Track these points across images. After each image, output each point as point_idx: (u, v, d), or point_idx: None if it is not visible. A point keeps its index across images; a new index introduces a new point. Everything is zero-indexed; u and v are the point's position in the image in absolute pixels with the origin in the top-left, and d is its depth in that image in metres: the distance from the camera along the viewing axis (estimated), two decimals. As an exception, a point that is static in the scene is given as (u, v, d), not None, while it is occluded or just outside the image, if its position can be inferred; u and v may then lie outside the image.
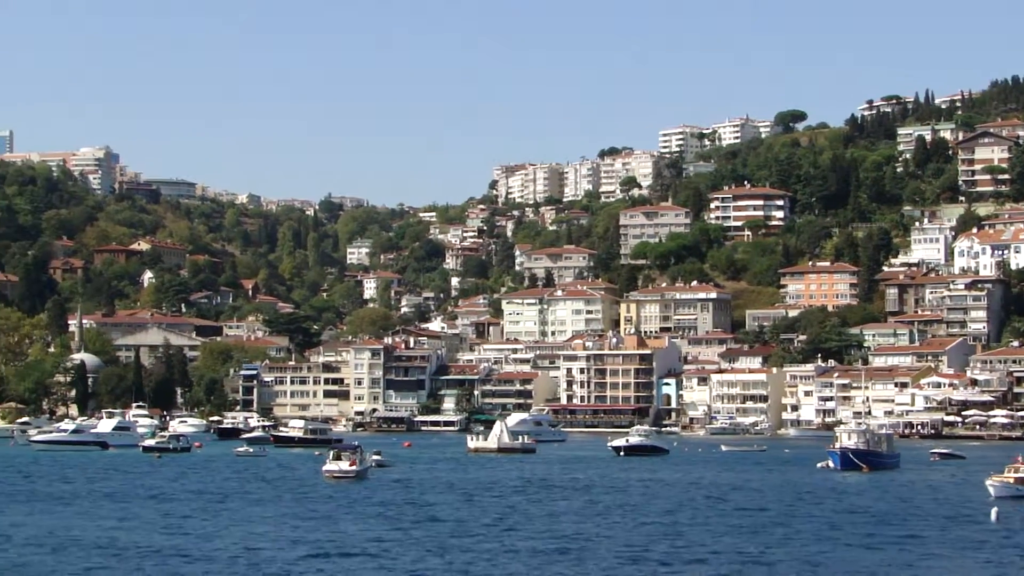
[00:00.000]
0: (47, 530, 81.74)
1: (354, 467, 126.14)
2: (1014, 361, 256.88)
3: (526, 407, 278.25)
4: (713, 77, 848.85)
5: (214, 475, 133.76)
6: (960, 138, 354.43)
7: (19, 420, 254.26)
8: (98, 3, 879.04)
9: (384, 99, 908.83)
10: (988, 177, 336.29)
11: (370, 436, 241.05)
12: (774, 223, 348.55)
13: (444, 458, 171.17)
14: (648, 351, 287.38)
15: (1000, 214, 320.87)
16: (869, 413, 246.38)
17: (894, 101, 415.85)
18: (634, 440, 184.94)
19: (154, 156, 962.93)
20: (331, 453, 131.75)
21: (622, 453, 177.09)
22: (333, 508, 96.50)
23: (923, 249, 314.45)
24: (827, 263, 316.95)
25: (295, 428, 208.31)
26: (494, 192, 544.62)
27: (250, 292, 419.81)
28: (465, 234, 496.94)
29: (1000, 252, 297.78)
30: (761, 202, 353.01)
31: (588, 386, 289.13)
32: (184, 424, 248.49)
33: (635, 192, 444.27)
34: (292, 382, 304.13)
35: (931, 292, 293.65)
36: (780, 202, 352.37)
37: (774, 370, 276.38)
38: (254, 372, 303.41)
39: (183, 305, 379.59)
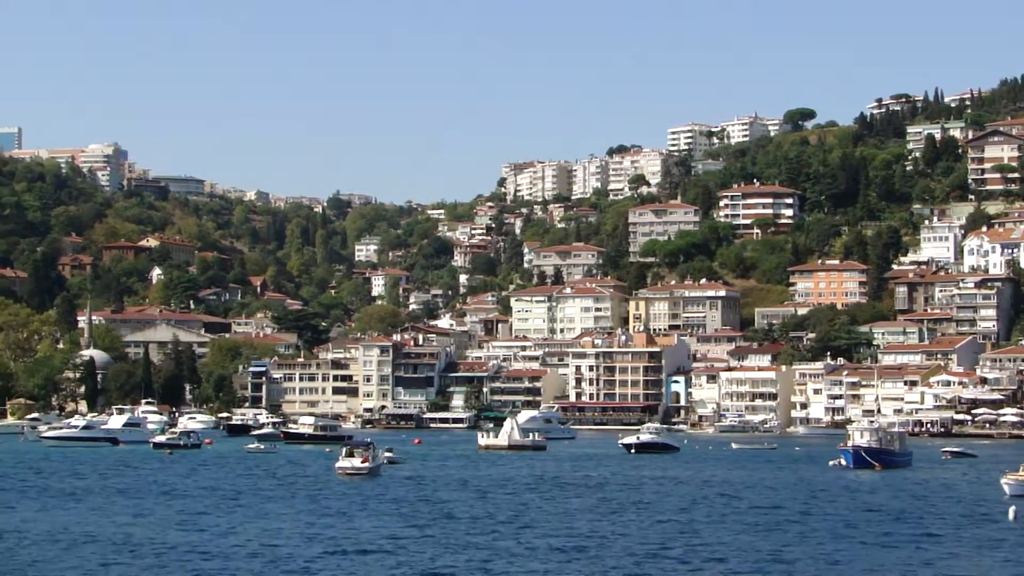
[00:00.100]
0: (61, 526, 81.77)
1: (367, 464, 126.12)
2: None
3: (535, 404, 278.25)
4: (722, 75, 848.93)
5: (226, 472, 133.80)
6: (969, 136, 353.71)
7: (28, 416, 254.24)
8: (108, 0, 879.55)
9: (393, 96, 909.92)
10: (998, 175, 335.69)
11: (379, 433, 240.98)
12: (783, 221, 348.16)
13: (455, 455, 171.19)
14: (657, 349, 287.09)
15: (1010, 212, 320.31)
16: (879, 411, 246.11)
17: (903, 99, 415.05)
18: (645, 437, 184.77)
19: (163, 153, 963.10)
20: (343, 450, 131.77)
21: (633, 450, 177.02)
22: (347, 505, 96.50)
23: (932, 247, 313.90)
24: (836, 261, 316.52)
25: (305, 425, 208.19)
26: (502, 189, 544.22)
27: (258, 289, 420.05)
28: (473, 231, 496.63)
29: (1010, 250, 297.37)
30: (770, 200, 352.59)
31: (597, 384, 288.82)
32: (193, 421, 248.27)
33: (644, 190, 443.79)
34: (301, 379, 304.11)
35: (940, 290, 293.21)
36: (789, 200, 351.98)
37: (783, 368, 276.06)
38: (263, 369, 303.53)
39: (191, 302, 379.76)
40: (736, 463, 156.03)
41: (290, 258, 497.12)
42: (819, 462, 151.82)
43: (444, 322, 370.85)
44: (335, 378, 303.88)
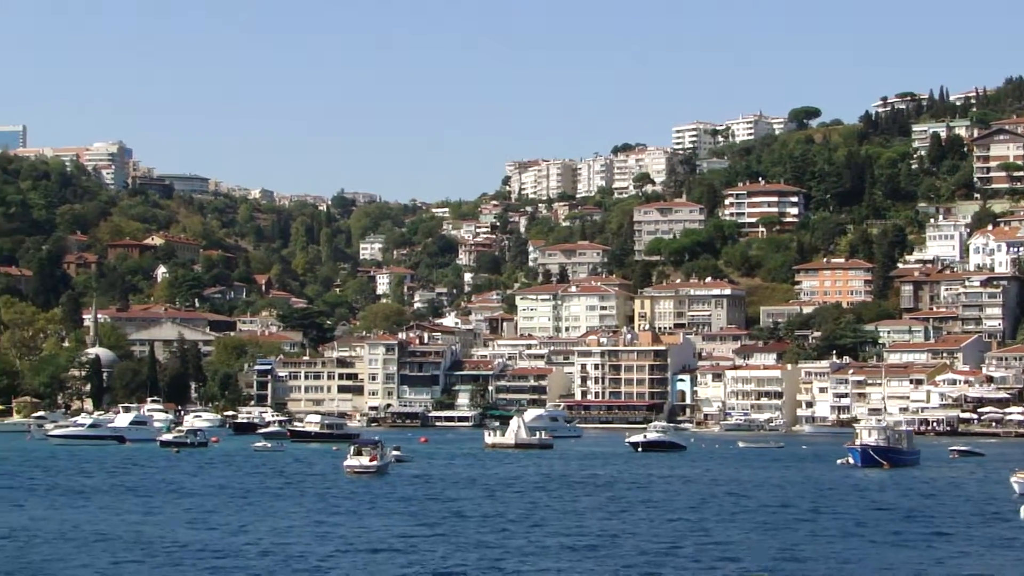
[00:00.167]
0: (72, 524, 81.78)
1: (375, 462, 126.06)
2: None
3: (540, 403, 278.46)
4: (726, 73, 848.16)
5: (234, 470, 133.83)
6: (975, 135, 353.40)
7: (35, 414, 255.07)
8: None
9: (397, 94, 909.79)
10: (1003, 174, 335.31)
11: (384, 431, 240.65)
12: (788, 220, 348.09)
13: (462, 453, 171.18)
14: (663, 347, 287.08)
15: (1015, 211, 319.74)
16: (884, 410, 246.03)
17: (908, 98, 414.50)
18: (652, 436, 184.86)
19: (167, 151, 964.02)
20: (352, 448, 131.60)
21: (640, 449, 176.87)
22: (357, 503, 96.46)
23: (938, 246, 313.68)
24: (842, 260, 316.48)
25: (312, 423, 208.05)
26: (507, 188, 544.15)
27: (263, 287, 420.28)
28: (478, 230, 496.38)
29: (1015, 249, 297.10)
30: (775, 199, 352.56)
31: (602, 382, 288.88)
32: (199, 419, 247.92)
33: (648, 188, 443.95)
34: (307, 377, 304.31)
35: (946, 289, 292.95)
36: (795, 199, 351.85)
37: (788, 367, 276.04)
38: (268, 367, 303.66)
39: (196, 300, 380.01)
40: (743, 462, 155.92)
41: (294, 256, 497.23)
42: (826, 461, 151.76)
43: (449, 320, 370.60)
44: (340, 376, 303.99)
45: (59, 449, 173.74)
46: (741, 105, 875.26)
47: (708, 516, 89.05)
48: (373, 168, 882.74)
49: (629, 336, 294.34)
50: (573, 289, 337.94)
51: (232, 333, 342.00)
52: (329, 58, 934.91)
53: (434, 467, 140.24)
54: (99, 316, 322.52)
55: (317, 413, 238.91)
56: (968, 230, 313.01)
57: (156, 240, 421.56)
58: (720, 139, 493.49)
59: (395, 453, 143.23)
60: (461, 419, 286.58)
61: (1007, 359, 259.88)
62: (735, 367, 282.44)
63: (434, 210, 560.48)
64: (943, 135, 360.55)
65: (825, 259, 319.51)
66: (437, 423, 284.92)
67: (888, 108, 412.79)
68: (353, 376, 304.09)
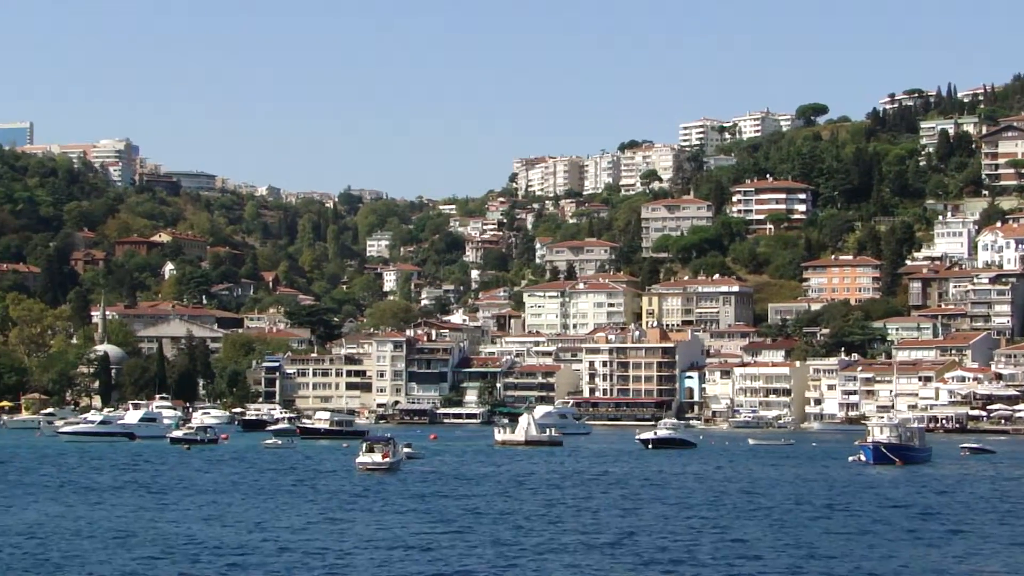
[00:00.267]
0: (87, 521, 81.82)
1: (387, 459, 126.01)
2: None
3: (548, 400, 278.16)
4: (733, 70, 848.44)
5: (246, 466, 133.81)
6: (983, 132, 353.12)
7: (44, 411, 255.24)
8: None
9: (404, 91, 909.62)
10: (1012, 171, 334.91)
11: (393, 428, 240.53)
12: (796, 217, 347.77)
13: (472, 450, 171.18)
14: (671, 344, 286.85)
15: (1023, 208, 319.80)
16: (893, 407, 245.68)
17: (916, 95, 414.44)
18: (662, 433, 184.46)
19: (174, 148, 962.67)
20: (363, 445, 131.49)
21: (650, 446, 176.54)
22: (371, 501, 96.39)
23: (946, 243, 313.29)
24: (850, 257, 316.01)
25: (321, 420, 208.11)
26: (514, 185, 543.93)
27: (270, 284, 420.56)
28: (485, 227, 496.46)
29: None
30: (783, 195, 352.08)
31: (611, 379, 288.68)
32: (207, 416, 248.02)
33: (655, 185, 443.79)
34: (315, 374, 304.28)
35: (955, 286, 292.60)
36: (802, 196, 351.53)
37: (797, 364, 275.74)
38: (276, 364, 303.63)
39: (204, 297, 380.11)
40: (755, 459, 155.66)
41: (302, 253, 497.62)
42: (837, 458, 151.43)
43: (456, 317, 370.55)
44: (348, 373, 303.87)
45: (69, 446, 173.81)
46: (748, 102, 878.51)
47: (723, 513, 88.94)
48: (380, 165, 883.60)
49: (637, 333, 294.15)
50: (581, 286, 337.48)
51: (240, 330, 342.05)
52: (336, 55, 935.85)
53: (446, 464, 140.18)
54: (107, 313, 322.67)
55: (326, 410, 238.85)
56: (976, 227, 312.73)
57: (163, 237, 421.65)
58: (727, 136, 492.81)
59: (406, 450, 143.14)
60: (469, 416, 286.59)
61: (1016, 356, 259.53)
62: (743, 364, 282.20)
63: (441, 207, 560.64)
64: (951, 132, 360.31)
65: (833, 256, 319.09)
66: (445, 420, 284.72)
67: (896, 105, 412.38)
68: (361, 373, 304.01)
